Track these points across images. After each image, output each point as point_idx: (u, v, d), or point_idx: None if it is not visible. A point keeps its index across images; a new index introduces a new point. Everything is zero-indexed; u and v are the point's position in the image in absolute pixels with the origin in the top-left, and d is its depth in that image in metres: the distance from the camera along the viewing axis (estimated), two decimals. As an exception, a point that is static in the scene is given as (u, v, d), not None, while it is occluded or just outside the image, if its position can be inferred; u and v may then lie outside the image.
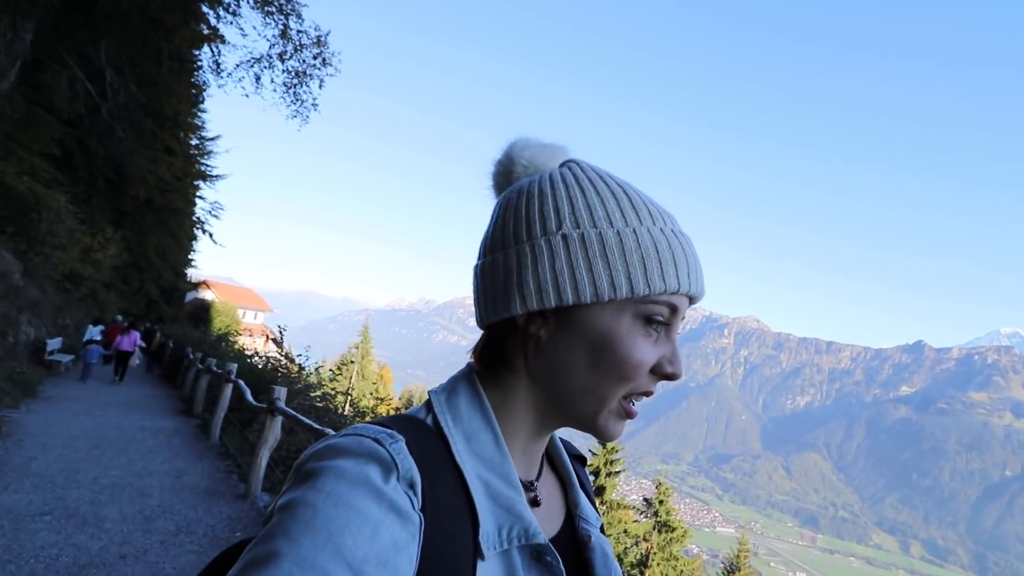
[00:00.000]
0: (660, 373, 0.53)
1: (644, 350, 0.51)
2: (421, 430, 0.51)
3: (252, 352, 13.52)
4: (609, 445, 19.15)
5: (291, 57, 14.09)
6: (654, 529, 18.39)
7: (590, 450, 19.69)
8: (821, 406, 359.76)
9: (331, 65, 14.43)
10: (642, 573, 17.90)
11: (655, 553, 17.97)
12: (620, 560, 18.69)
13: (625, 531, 18.97)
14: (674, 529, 18.52)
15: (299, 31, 13.69)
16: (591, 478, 19.16)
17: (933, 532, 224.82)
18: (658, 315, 0.52)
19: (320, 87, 14.66)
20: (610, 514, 18.72)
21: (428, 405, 0.55)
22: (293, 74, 14.33)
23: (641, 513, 19.24)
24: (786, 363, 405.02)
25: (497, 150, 0.61)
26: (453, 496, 0.48)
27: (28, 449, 5.57)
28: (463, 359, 0.62)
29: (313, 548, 0.37)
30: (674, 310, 0.53)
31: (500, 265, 0.54)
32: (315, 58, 14.18)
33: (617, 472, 19.39)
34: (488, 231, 0.57)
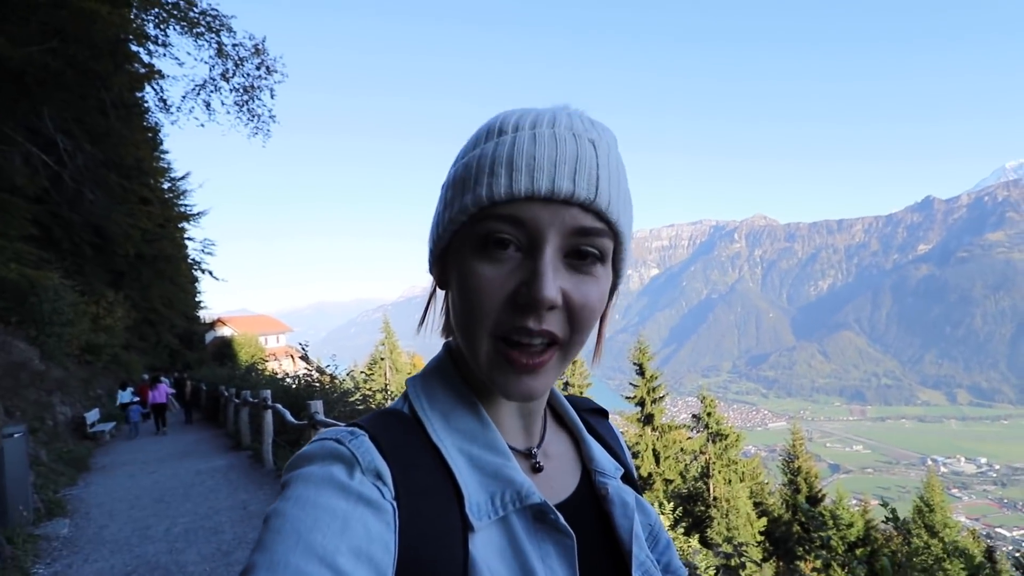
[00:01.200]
0: (521, 303, 0.45)
1: (484, 277, 0.46)
2: (394, 420, 0.52)
3: (283, 375, 13.71)
4: (648, 373, 19.41)
5: (234, 74, 13.65)
6: (708, 441, 18.80)
7: (630, 383, 19.99)
8: (844, 284, 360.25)
9: (276, 72, 13.96)
10: (706, 483, 18.41)
11: (714, 462, 18.42)
12: (683, 475, 19.21)
13: (682, 449, 19.46)
14: (727, 436, 18.93)
15: (234, 45, 13.20)
16: (637, 409, 19.55)
17: (976, 377, 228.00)
18: (497, 233, 0.46)
19: (272, 97, 14.23)
20: (664, 437, 19.16)
21: (405, 395, 0.56)
22: (241, 91, 13.92)
23: (692, 429, 19.66)
24: (801, 252, 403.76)
25: None
26: (431, 476, 0.48)
27: (96, 519, 5.72)
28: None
29: (285, 551, 0.38)
30: (518, 223, 0.45)
31: None
32: (258, 68, 13.73)
33: (661, 398, 19.71)
34: None
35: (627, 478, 0.63)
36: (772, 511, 18.72)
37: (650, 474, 18.55)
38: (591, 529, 0.55)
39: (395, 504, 0.44)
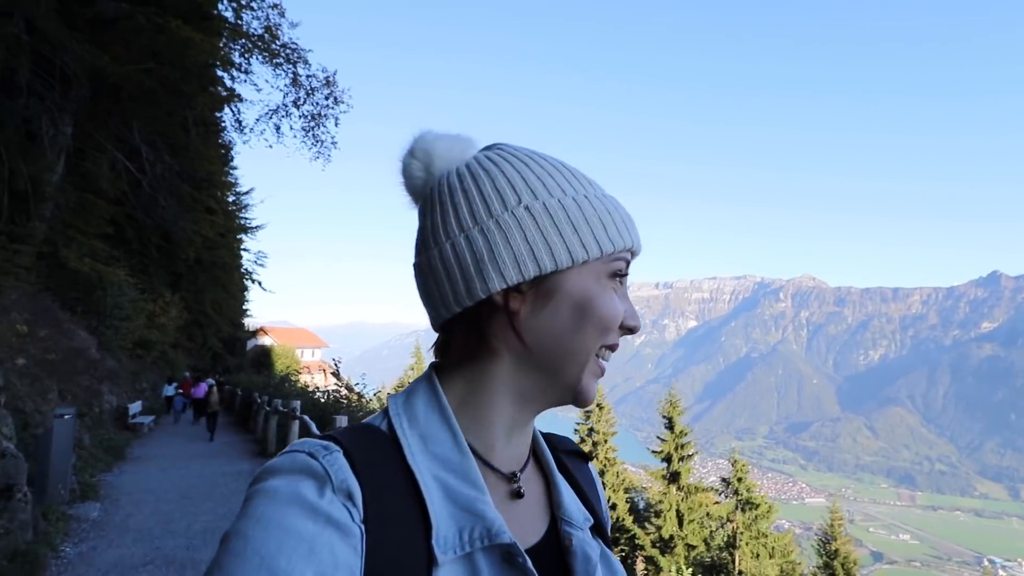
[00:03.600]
0: (625, 327, 0.56)
1: (617, 304, 0.54)
2: (371, 437, 0.50)
3: (314, 388, 14.07)
4: (677, 428, 18.77)
5: (305, 102, 14.66)
6: (737, 508, 17.82)
7: (658, 436, 19.35)
8: (897, 357, 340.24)
9: (343, 103, 14.91)
10: (731, 555, 17.38)
11: (742, 533, 17.41)
12: (708, 543, 18.20)
13: (708, 514, 18.46)
14: (758, 506, 17.86)
15: (308, 76, 14.24)
16: (663, 465, 18.85)
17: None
18: (620, 271, 0.55)
19: (336, 125, 15.16)
20: (689, 499, 18.28)
21: (385, 411, 0.54)
22: (309, 118, 14.90)
23: (721, 493, 18.69)
24: (851, 318, 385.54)
25: (404, 149, 0.60)
26: (403, 501, 0.46)
27: (125, 507, 5.98)
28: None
29: None
30: (627, 264, 0.56)
31: (464, 248, 0.52)
32: (327, 98, 14.69)
33: (690, 456, 18.93)
34: (432, 221, 0.55)
35: (599, 528, 0.61)
36: (802, 594, 17.43)
37: (672, 536, 17.66)
38: None
39: (363, 528, 0.43)
